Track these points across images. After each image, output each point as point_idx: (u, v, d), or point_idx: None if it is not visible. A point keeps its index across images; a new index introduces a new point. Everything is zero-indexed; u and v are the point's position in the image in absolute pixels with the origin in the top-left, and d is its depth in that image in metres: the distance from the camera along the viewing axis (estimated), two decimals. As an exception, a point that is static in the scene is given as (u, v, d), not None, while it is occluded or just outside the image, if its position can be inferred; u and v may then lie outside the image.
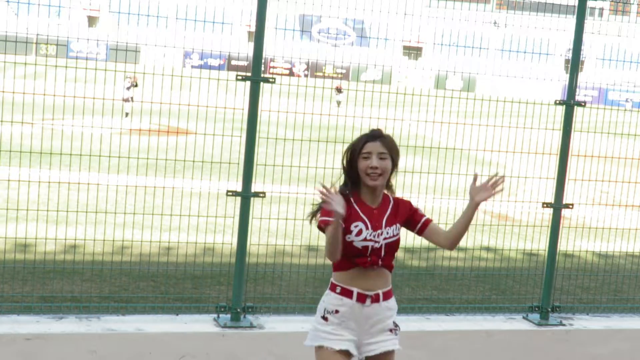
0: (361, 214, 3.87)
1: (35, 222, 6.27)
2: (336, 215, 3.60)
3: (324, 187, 3.61)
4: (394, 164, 3.95)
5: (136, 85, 20.07)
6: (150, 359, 5.49)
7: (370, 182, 3.86)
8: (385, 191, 4.01)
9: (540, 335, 6.45)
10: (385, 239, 3.87)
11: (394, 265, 3.99)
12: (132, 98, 19.82)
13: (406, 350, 6.03)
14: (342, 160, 3.95)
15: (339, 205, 3.61)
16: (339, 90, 26.22)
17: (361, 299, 3.86)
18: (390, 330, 3.96)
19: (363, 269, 3.86)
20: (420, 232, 4.02)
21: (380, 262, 3.88)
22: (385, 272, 3.93)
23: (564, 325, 6.56)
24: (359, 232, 3.84)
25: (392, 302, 3.99)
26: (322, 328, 3.89)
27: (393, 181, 4.07)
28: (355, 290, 3.86)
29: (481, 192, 3.90)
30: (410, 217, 3.99)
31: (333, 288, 3.91)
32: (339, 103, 23.54)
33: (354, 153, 3.89)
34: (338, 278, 3.90)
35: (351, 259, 3.86)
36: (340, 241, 3.73)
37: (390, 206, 3.97)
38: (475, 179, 3.93)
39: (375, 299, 3.88)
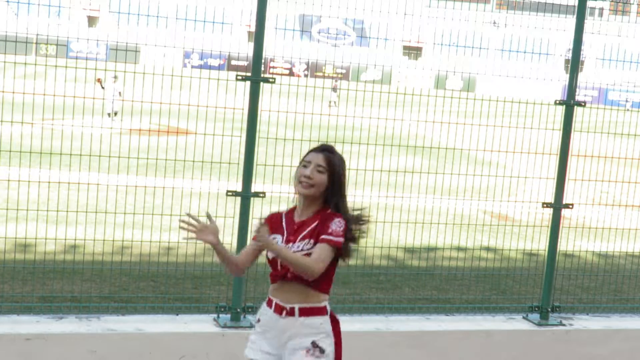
0: (283, 225, 3.88)
1: (35, 222, 6.27)
2: (210, 242, 3.76)
3: (191, 216, 3.80)
4: (334, 184, 3.83)
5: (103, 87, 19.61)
6: (150, 359, 5.49)
7: (301, 189, 3.81)
8: (329, 210, 3.84)
9: (540, 335, 6.45)
10: (294, 252, 3.74)
11: (319, 282, 3.79)
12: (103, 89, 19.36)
13: (406, 350, 6.05)
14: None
15: (209, 234, 3.78)
16: (334, 89, 26.08)
17: (277, 310, 3.82)
18: (307, 351, 3.78)
19: (278, 281, 3.84)
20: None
21: (287, 276, 3.78)
22: (304, 288, 3.79)
23: (564, 325, 6.56)
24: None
25: (313, 321, 3.80)
26: (250, 336, 3.99)
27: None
28: (275, 301, 3.84)
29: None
30: (321, 229, 3.80)
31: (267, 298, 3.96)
32: (332, 103, 23.28)
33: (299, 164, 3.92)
34: (269, 289, 3.93)
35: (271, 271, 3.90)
36: (227, 261, 3.88)
37: (318, 222, 3.81)
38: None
39: (290, 313, 3.79)
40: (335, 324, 3.91)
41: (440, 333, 6.19)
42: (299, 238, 3.80)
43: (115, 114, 20.20)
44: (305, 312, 3.79)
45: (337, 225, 3.75)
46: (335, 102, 23.32)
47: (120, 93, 19.25)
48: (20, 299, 6.18)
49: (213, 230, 3.77)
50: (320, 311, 3.84)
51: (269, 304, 3.89)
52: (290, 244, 3.80)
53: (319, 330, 3.81)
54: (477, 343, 6.26)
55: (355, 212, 3.88)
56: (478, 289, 7.82)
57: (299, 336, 3.79)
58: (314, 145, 4.06)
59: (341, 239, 3.73)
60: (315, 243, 3.76)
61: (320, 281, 3.79)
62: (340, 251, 3.78)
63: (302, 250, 3.76)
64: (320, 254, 3.70)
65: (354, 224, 3.84)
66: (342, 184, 3.88)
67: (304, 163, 3.87)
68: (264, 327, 3.89)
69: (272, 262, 3.85)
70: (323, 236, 3.74)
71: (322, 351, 3.79)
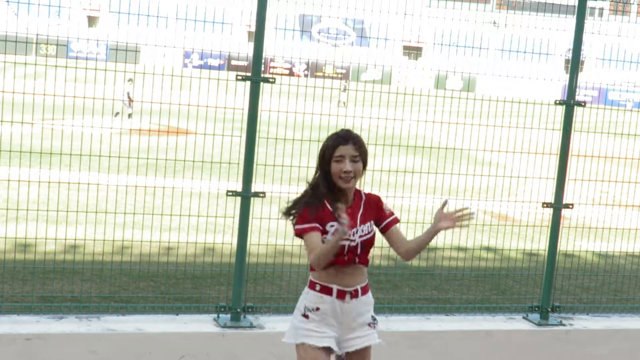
0: (339, 214, 3.91)
1: (35, 222, 6.27)
2: (340, 234, 3.67)
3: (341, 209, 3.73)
4: (365, 165, 4.00)
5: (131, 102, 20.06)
6: (150, 359, 5.49)
7: (344, 184, 3.91)
8: (358, 188, 4.06)
9: (540, 335, 6.45)
10: (360, 236, 3.94)
11: (369, 261, 4.05)
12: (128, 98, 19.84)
13: (406, 350, 6.05)
14: (317, 161, 4.00)
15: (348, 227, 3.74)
16: (344, 89, 26.13)
17: (341, 295, 3.93)
18: (369, 325, 4.02)
19: (340, 267, 3.93)
20: (382, 231, 4.09)
21: (357, 260, 3.95)
22: (362, 268, 4.00)
23: (564, 325, 6.56)
24: (335, 232, 3.87)
25: (369, 297, 4.05)
26: (304, 325, 3.97)
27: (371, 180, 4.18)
28: (335, 287, 3.93)
29: (445, 220, 3.88)
30: (377, 214, 4.06)
31: (312, 286, 3.99)
32: (343, 104, 23.39)
33: (325, 156, 3.93)
34: (317, 276, 3.98)
35: None
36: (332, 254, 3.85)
37: (363, 203, 4.03)
38: (443, 205, 3.92)
39: (355, 295, 3.96)
40: None
41: (440, 333, 6.19)
42: (358, 222, 3.96)
43: (117, 114, 20.47)
44: (364, 290, 4.01)
45: (389, 206, 4.08)
46: (344, 103, 23.40)
47: (129, 94, 19.49)
48: (20, 299, 6.17)
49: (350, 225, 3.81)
50: (368, 286, 4.07)
51: (327, 291, 3.93)
52: (354, 230, 3.92)
53: (372, 303, 4.07)
54: (477, 343, 6.26)
55: None
56: (478, 289, 7.82)
57: (363, 313, 4.00)
58: (318, 143, 4.08)
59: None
60: (373, 224, 4.02)
61: (368, 259, 4.03)
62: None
63: (367, 234, 3.97)
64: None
65: None
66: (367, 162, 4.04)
67: (337, 158, 3.89)
68: (323, 315, 3.95)
69: (340, 248, 3.88)
70: (393, 217, 4.06)
71: (376, 321, 4.07)
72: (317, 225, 3.90)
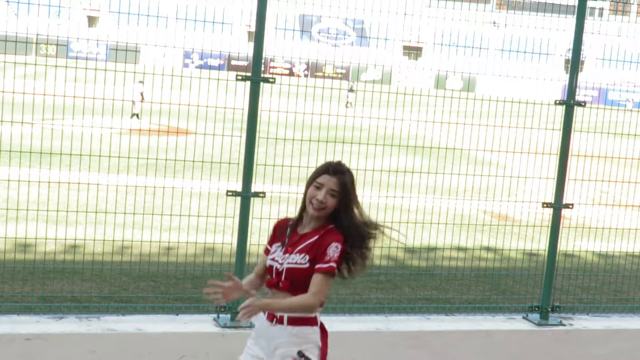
0: (287, 234, 3.93)
1: (35, 222, 6.27)
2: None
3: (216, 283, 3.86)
4: (343, 205, 3.83)
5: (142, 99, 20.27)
6: (150, 359, 5.49)
7: (311, 211, 3.84)
8: (332, 226, 3.85)
9: (540, 335, 6.45)
10: (288, 263, 3.82)
11: (298, 292, 3.80)
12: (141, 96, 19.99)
13: (406, 350, 6.05)
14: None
15: (234, 292, 3.81)
16: (351, 90, 26.04)
17: (269, 317, 3.84)
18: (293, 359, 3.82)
19: (269, 288, 3.91)
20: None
21: (279, 285, 3.83)
22: (290, 296, 3.82)
23: (564, 325, 6.56)
24: (273, 252, 3.93)
25: (301, 330, 3.81)
26: (247, 341, 4.05)
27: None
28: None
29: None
30: (317, 256, 3.80)
31: None
32: (349, 104, 23.32)
33: (310, 177, 3.90)
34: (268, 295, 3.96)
35: None
36: (257, 288, 3.97)
37: (317, 238, 3.83)
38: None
39: (279, 321, 3.81)
40: (324, 334, 3.91)
41: (440, 333, 6.19)
42: (296, 250, 3.84)
43: (137, 116, 20.76)
44: (294, 321, 3.81)
45: (333, 250, 3.77)
46: (351, 103, 23.31)
47: (142, 94, 19.64)
48: (20, 299, 6.18)
49: (237, 287, 3.79)
50: (310, 321, 3.84)
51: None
52: (287, 255, 3.85)
53: (307, 340, 3.82)
54: (477, 343, 6.26)
55: (367, 224, 3.90)
56: (478, 289, 7.82)
57: (287, 345, 3.80)
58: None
59: (334, 264, 3.76)
60: (310, 260, 3.79)
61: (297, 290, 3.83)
62: (334, 274, 3.80)
63: (296, 263, 3.81)
64: (318, 285, 3.76)
65: (359, 241, 3.86)
66: (351, 201, 3.87)
67: (317, 184, 3.83)
68: (257, 333, 3.94)
69: (269, 268, 3.92)
70: (318, 266, 3.76)
71: (305, 359, 3.81)
72: (267, 246, 4.00)
